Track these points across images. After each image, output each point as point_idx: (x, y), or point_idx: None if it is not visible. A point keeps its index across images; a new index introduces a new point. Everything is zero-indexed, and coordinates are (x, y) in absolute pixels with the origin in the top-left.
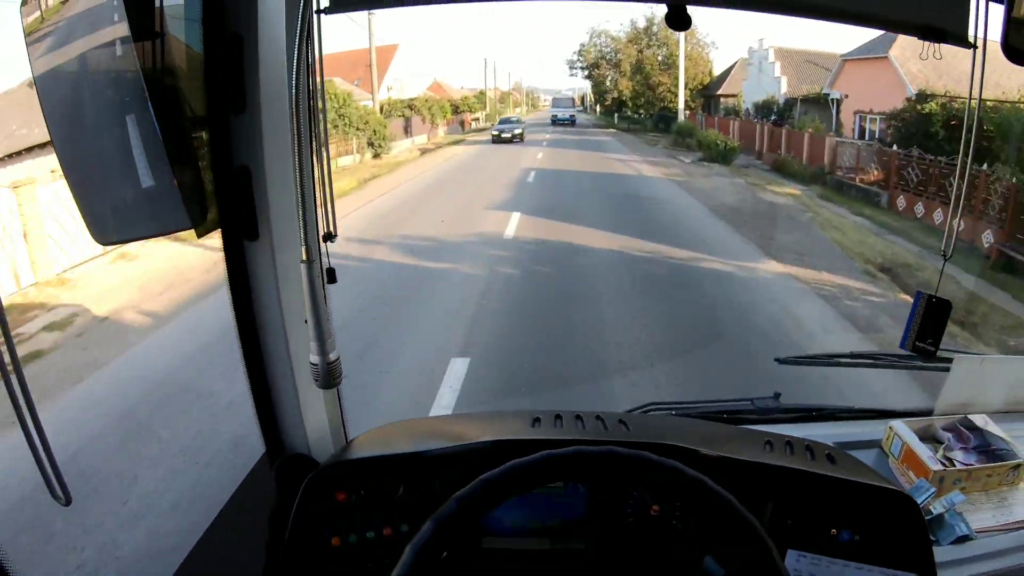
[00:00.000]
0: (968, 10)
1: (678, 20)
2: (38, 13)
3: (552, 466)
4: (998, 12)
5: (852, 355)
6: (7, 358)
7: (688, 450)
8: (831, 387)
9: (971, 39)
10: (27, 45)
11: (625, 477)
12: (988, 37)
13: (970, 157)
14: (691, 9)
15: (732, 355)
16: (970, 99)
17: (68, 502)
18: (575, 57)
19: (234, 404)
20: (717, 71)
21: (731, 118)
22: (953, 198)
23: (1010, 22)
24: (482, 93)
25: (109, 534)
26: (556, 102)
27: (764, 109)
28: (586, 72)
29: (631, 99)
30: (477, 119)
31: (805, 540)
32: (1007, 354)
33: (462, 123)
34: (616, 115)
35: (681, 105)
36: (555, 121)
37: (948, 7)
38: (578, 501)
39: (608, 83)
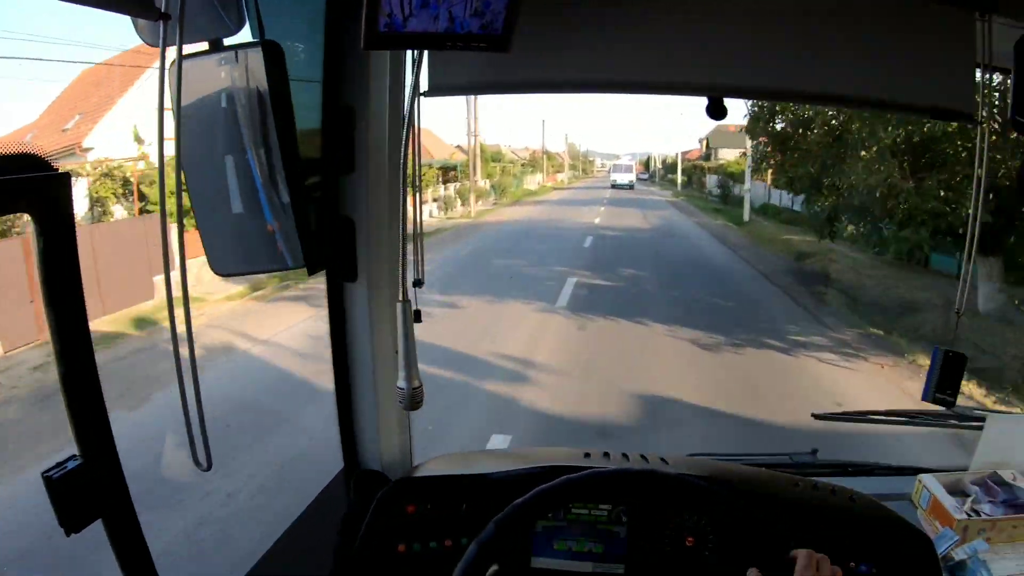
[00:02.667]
0: (972, 90)
1: (715, 111)
2: (185, 75)
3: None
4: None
5: (887, 412)
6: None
7: (707, 477)
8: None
9: (977, 117)
10: (171, 100)
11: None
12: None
13: (978, 224)
14: None
15: None
16: (976, 172)
17: (209, 467)
18: None
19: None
20: None
21: None
22: (964, 260)
23: (1018, 96)
24: (508, 151)
25: (195, 527)
26: (616, 168)
27: None
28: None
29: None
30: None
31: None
32: None
33: None
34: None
35: None
36: (614, 186)
37: (953, 88)
38: (620, 530)
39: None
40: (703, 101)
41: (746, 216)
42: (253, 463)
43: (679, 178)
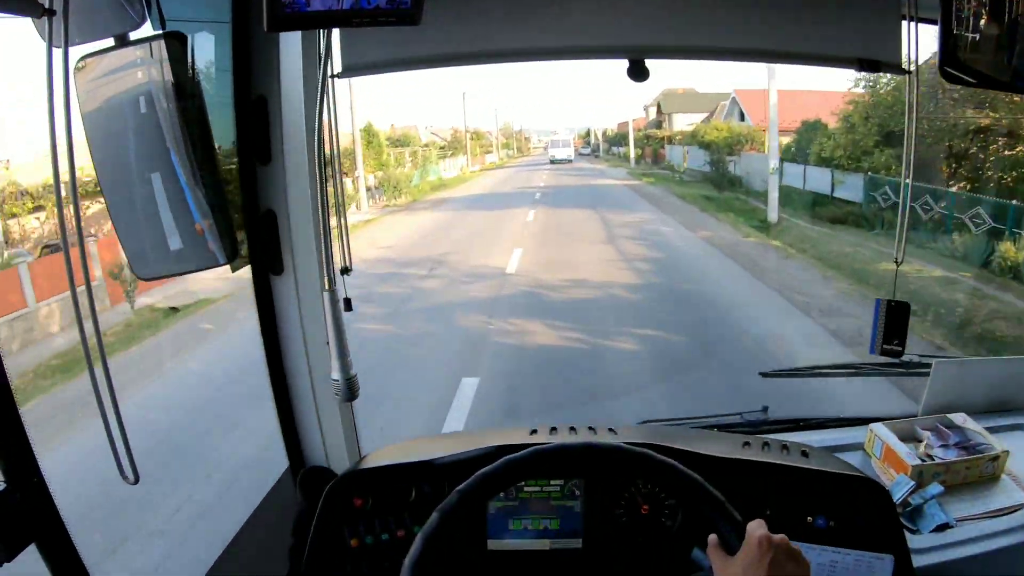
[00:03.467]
0: (899, 39)
1: (637, 72)
2: (91, 73)
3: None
4: (928, 38)
5: (834, 366)
6: (91, 343)
7: (662, 447)
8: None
9: (905, 66)
10: (79, 101)
11: (576, 467)
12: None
13: (911, 173)
14: None
15: None
16: (908, 121)
17: (136, 480)
18: None
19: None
20: None
21: None
22: (900, 210)
23: (945, 47)
24: (426, 133)
25: (146, 536)
26: (554, 143)
27: None
28: None
29: None
30: None
31: (783, 529)
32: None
33: None
34: None
35: None
36: (553, 161)
37: (880, 39)
38: (574, 504)
39: None
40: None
41: (772, 214)
42: None
43: (631, 152)
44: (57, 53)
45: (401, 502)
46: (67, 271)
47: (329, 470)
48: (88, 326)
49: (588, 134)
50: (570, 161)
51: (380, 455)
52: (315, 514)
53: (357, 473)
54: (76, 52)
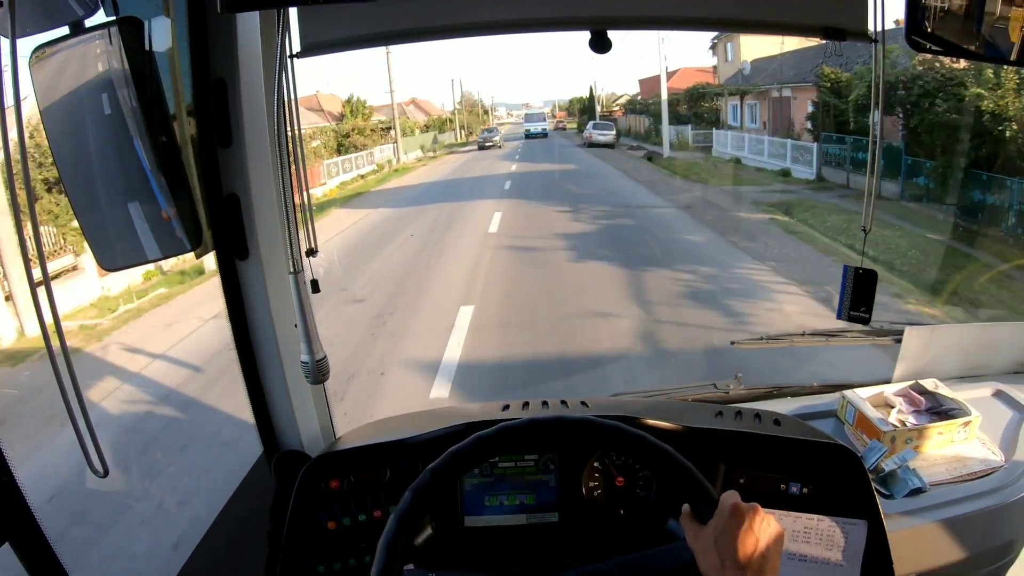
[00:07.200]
0: (866, 7)
1: (599, 44)
2: (46, 64)
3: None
4: (895, 6)
5: (806, 333)
6: (55, 343)
7: (631, 418)
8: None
9: (871, 34)
10: (36, 93)
11: (551, 441)
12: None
13: (879, 140)
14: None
15: None
16: (875, 88)
17: (106, 473)
18: None
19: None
20: None
21: None
22: (867, 177)
23: (912, 15)
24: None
25: (123, 531)
26: (529, 117)
27: None
28: None
29: None
30: None
31: (757, 496)
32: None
33: None
34: None
35: None
36: (528, 135)
37: (847, 6)
38: (549, 478)
39: None
40: None
41: None
42: None
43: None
44: (6, 45)
45: (376, 482)
46: (24, 265)
47: (303, 453)
48: (49, 320)
49: (591, 100)
50: (545, 135)
51: (354, 436)
52: (291, 498)
53: (331, 455)
54: (30, 44)
